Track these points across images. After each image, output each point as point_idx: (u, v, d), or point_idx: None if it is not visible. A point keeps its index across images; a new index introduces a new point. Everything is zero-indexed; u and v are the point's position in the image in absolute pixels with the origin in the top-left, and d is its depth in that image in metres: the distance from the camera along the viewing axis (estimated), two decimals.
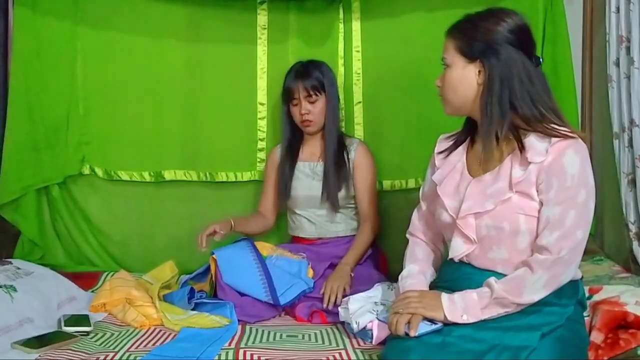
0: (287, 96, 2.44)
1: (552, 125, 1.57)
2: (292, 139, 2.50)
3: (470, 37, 1.63)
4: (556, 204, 1.52)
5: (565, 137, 1.54)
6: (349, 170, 2.42)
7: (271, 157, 2.57)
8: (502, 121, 1.58)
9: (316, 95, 2.39)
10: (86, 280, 2.43)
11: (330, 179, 2.38)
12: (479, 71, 1.62)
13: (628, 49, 2.24)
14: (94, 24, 2.61)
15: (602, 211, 2.48)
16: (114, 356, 1.74)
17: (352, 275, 2.24)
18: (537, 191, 1.55)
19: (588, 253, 2.07)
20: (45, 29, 2.56)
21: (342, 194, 2.41)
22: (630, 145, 2.25)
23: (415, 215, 1.89)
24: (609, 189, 2.38)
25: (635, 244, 2.27)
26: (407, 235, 1.90)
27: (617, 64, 2.30)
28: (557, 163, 1.52)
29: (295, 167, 2.47)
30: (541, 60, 1.66)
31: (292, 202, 2.47)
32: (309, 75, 2.40)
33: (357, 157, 2.44)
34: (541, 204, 1.55)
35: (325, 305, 2.11)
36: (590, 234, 1.60)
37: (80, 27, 2.61)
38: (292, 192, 2.45)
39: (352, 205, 2.46)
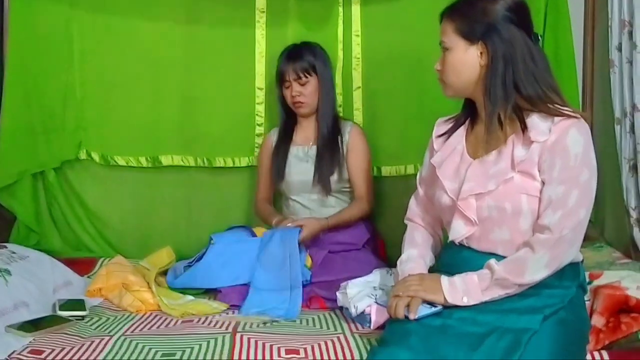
0: (280, 79, 2.43)
1: (555, 105, 1.54)
2: (287, 123, 2.49)
3: (470, 18, 1.59)
4: (559, 183, 1.50)
5: (568, 116, 1.52)
6: (343, 153, 2.41)
7: (265, 141, 2.55)
8: (506, 102, 1.56)
9: (306, 77, 2.39)
10: (82, 265, 2.40)
11: (323, 162, 2.37)
12: (481, 52, 1.59)
13: (630, 33, 2.22)
14: (91, 8, 2.59)
15: (602, 197, 2.46)
16: (109, 340, 1.72)
17: (321, 236, 2.29)
18: (540, 171, 1.53)
19: (588, 239, 2.05)
20: (41, 12, 2.53)
21: (335, 177, 2.39)
22: (632, 130, 2.23)
23: (412, 201, 1.87)
24: (609, 175, 2.36)
25: (635, 230, 2.25)
26: (406, 221, 1.88)
27: (620, 49, 2.28)
28: (561, 142, 1.50)
29: (289, 151, 2.46)
30: (539, 37, 1.63)
31: (285, 187, 2.45)
32: (300, 58, 2.39)
33: (351, 139, 2.43)
34: (543, 183, 1.53)
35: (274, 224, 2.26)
36: (590, 220, 1.58)
37: (77, 10, 2.58)
38: (285, 176, 2.43)
39: (347, 190, 2.44)
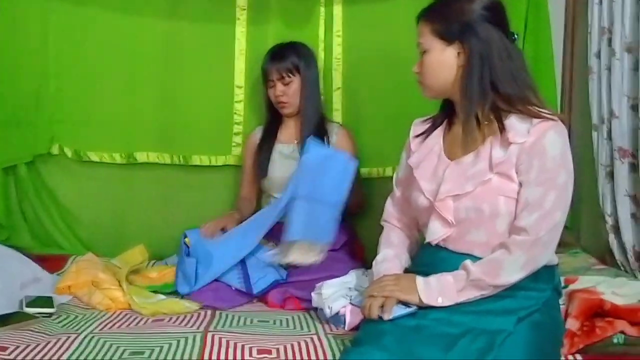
0: (264, 78, 2.43)
1: (533, 105, 1.54)
2: (271, 121, 2.48)
3: (446, 18, 1.59)
4: (536, 185, 1.49)
5: (547, 118, 1.52)
6: None
7: (250, 139, 2.53)
8: (484, 101, 1.56)
9: (289, 77, 2.37)
10: (53, 262, 2.35)
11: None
12: (459, 53, 1.59)
13: (610, 40, 2.23)
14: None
15: (579, 204, 2.47)
16: (76, 337, 1.67)
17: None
18: (517, 172, 1.52)
19: (564, 246, 2.06)
20: (17, 4, 2.48)
21: None
22: (609, 137, 2.24)
23: (389, 202, 1.86)
24: (586, 181, 2.37)
25: (611, 236, 2.26)
26: (382, 223, 1.86)
27: (598, 56, 2.29)
28: (539, 144, 1.50)
29: (273, 149, 2.44)
30: (516, 36, 1.63)
31: (268, 185, 2.43)
32: (284, 58, 2.38)
33: (339, 141, 2.42)
34: (520, 185, 1.52)
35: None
36: (566, 227, 1.58)
37: (53, 2, 2.53)
38: (269, 174, 2.41)
39: None
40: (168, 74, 2.59)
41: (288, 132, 2.47)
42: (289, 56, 2.39)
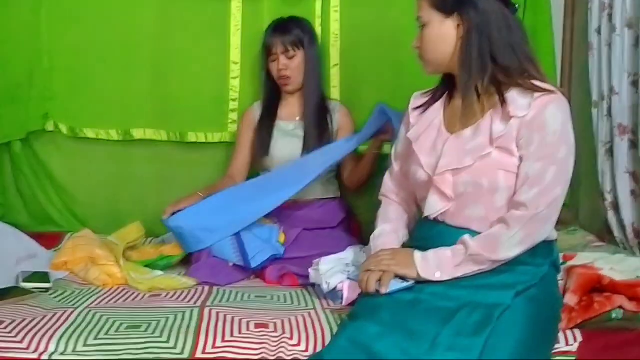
0: (266, 52, 2.38)
1: (533, 80, 1.52)
2: (271, 98, 2.43)
3: None
4: (537, 160, 1.48)
5: (548, 92, 1.50)
6: (332, 132, 2.38)
7: (247, 115, 2.48)
8: (483, 73, 1.54)
9: (294, 50, 2.33)
10: (49, 240, 2.35)
11: (311, 139, 2.33)
12: (458, 25, 1.56)
13: (610, 16, 2.21)
14: None
15: (577, 181, 2.46)
16: (72, 312, 1.67)
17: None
18: (517, 147, 1.50)
19: (562, 223, 2.05)
20: None
21: None
22: (609, 113, 2.23)
23: (387, 177, 1.84)
24: (585, 158, 2.36)
25: (610, 213, 2.26)
26: (380, 197, 1.85)
27: (599, 32, 2.27)
28: (539, 118, 1.48)
29: (274, 126, 2.40)
30: (517, 7, 1.60)
31: (269, 162, 2.39)
32: (288, 31, 2.34)
33: (341, 119, 2.41)
34: (520, 159, 1.50)
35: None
36: (565, 204, 1.57)
37: None
38: (270, 152, 2.37)
39: (332, 169, 2.41)
40: (163, 50, 2.55)
41: (288, 109, 2.43)
42: (293, 30, 2.34)
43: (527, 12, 2.41)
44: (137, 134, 2.57)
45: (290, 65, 2.34)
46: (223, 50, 2.55)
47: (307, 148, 2.33)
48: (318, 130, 2.35)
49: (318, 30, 2.54)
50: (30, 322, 1.59)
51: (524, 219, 1.48)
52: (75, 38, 2.53)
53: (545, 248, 1.57)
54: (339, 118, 2.41)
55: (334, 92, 2.57)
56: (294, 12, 2.45)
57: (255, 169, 2.47)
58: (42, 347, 1.50)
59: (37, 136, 2.57)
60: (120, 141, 2.58)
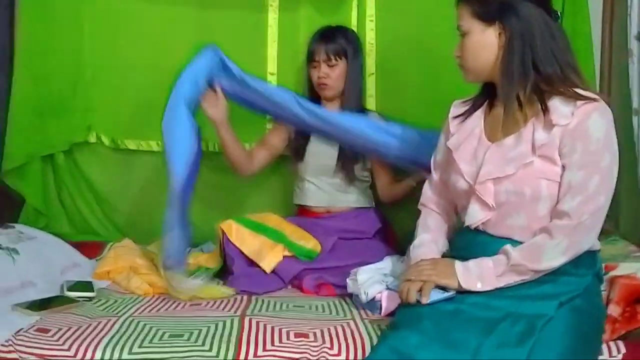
0: (309, 58, 2.38)
1: (575, 87, 1.51)
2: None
3: None
4: (579, 168, 1.46)
5: (591, 100, 1.48)
6: None
7: None
8: (525, 82, 1.53)
9: (336, 60, 2.34)
10: (90, 249, 2.39)
11: (347, 150, 2.33)
12: (499, 33, 1.56)
13: None
14: None
15: (618, 190, 2.38)
16: (116, 320, 1.70)
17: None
18: (560, 155, 1.49)
19: (603, 233, 2.01)
20: None
21: (359, 165, 2.36)
22: None
23: (426, 186, 1.84)
24: (626, 167, 2.29)
25: None
26: (419, 207, 1.84)
27: (638, 38, 2.24)
28: (582, 126, 1.47)
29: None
30: (559, 14, 1.59)
31: (303, 168, 2.41)
32: (332, 40, 2.34)
33: None
34: (563, 168, 1.49)
35: None
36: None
37: None
38: (305, 157, 2.38)
39: (366, 179, 2.42)
40: None
41: None
42: (337, 39, 2.35)
43: (565, 18, 2.39)
44: None
45: (331, 74, 2.34)
46: (260, 61, 2.58)
47: (342, 157, 2.34)
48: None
49: None
50: (76, 330, 1.63)
51: (567, 228, 1.46)
52: (117, 51, 2.59)
53: (588, 258, 1.55)
54: None
55: (370, 102, 2.57)
56: (330, 22, 2.46)
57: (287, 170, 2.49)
58: (88, 355, 1.53)
59: (79, 147, 2.63)
60: (160, 152, 2.62)
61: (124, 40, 2.59)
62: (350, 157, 2.33)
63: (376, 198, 2.48)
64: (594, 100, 1.48)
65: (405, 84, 2.56)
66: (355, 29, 2.56)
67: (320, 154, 2.38)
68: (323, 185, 2.39)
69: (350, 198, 2.38)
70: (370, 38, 2.57)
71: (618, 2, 2.42)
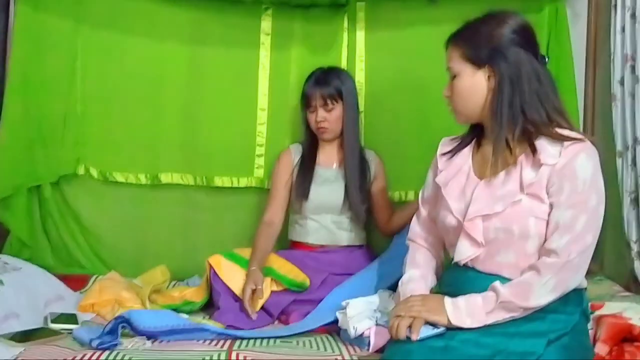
0: (305, 102, 2.42)
1: (561, 129, 1.54)
2: (311, 143, 2.46)
3: (476, 43, 1.60)
4: (567, 208, 1.49)
5: (578, 140, 1.52)
6: (370, 181, 2.43)
7: (285, 157, 2.47)
8: (514, 125, 1.56)
9: (332, 104, 2.37)
10: (75, 282, 2.37)
11: (354, 189, 2.36)
12: (489, 76, 1.60)
13: (633, 67, 2.24)
14: (96, 24, 2.59)
15: (603, 231, 2.43)
16: (101, 354, 1.67)
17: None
18: (548, 194, 1.52)
19: (588, 273, 2.03)
20: (46, 26, 2.52)
21: (365, 205, 2.40)
22: (634, 163, 2.24)
23: (414, 221, 1.85)
24: (610, 208, 2.30)
25: (636, 263, 2.24)
26: (407, 242, 1.85)
27: (622, 83, 2.30)
28: (570, 166, 1.50)
29: (315, 171, 2.41)
30: (546, 59, 1.64)
31: (307, 207, 2.39)
32: (327, 84, 2.38)
33: (377, 168, 2.47)
34: (551, 207, 1.51)
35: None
36: None
37: (82, 25, 2.58)
38: (310, 196, 2.37)
39: (360, 214, 2.42)
40: (192, 96, 2.63)
41: (325, 155, 2.46)
42: (332, 82, 2.38)
43: (550, 62, 2.42)
44: (165, 178, 2.62)
45: (329, 118, 2.37)
46: (251, 97, 2.62)
47: (350, 197, 2.36)
48: (360, 178, 2.39)
49: None
50: None
51: (555, 266, 1.48)
52: (108, 86, 2.61)
53: (576, 296, 1.56)
54: (375, 168, 2.46)
55: None
56: (320, 61, 2.51)
57: (290, 211, 2.47)
58: None
59: (66, 179, 2.62)
60: (148, 185, 2.63)
61: (115, 74, 2.61)
62: (357, 197, 2.36)
63: (368, 236, 2.50)
64: (581, 140, 1.52)
65: (394, 123, 2.61)
66: (345, 69, 2.60)
67: (324, 194, 2.39)
68: (326, 223, 2.39)
69: (349, 236, 2.40)
70: (360, 77, 2.62)
71: (601, 48, 2.49)
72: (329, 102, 2.36)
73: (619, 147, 2.31)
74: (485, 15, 1.64)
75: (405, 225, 2.31)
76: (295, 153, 2.47)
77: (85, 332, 1.80)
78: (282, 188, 2.43)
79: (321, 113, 2.37)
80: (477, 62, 1.60)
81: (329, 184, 2.40)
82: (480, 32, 1.61)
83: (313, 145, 2.46)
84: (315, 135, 2.45)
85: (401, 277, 1.75)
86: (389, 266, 2.16)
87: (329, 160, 2.45)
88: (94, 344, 1.71)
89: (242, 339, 1.89)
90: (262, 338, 1.90)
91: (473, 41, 1.61)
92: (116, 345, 1.73)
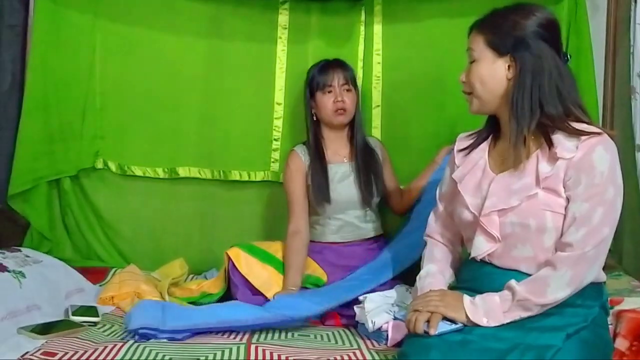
0: (318, 85, 2.35)
1: (578, 123, 1.54)
2: (316, 142, 2.39)
3: (501, 30, 1.59)
4: (584, 201, 1.48)
5: (595, 134, 1.51)
6: (380, 168, 2.41)
7: (294, 161, 2.38)
8: (531, 119, 1.55)
9: (350, 86, 2.37)
10: (94, 274, 2.38)
11: (365, 177, 2.34)
12: (509, 66, 1.59)
13: None
14: (115, 18, 2.60)
15: (621, 226, 2.41)
16: (122, 346, 1.70)
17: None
18: (565, 187, 1.51)
19: (607, 268, 2.02)
20: (65, 21, 2.54)
21: (376, 192, 2.37)
22: None
23: (432, 217, 1.85)
24: (629, 203, 2.31)
25: None
26: (425, 238, 1.85)
27: None
28: (587, 159, 1.49)
29: (328, 170, 2.35)
30: (569, 57, 1.63)
31: (330, 208, 2.33)
32: (345, 67, 2.38)
33: (382, 154, 2.45)
34: (568, 200, 1.51)
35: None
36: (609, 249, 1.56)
37: (101, 20, 2.59)
38: (332, 197, 2.31)
39: (378, 202, 2.42)
40: (210, 91, 2.64)
41: (334, 150, 2.41)
42: (348, 67, 2.40)
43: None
44: (183, 172, 2.64)
45: (347, 100, 2.34)
46: (268, 91, 2.63)
47: (362, 188, 2.33)
48: (371, 168, 2.37)
49: (360, 72, 2.61)
50: (83, 355, 1.63)
51: (571, 259, 1.48)
52: (127, 80, 2.63)
53: (594, 290, 1.56)
54: (381, 153, 2.45)
55: (375, 132, 2.61)
56: (337, 55, 2.50)
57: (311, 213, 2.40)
58: None
59: (86, 173, 2.64)
60: (166, 179, 2.65)
61: (134, 68, 2.63)
62: (370, 186, 2.34)
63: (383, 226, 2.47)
64: (598, 134, 1.51)
65: (410, 117, 2.60)
66: (361, 62, 2.61)
67: (344, 191, 2.33)
68: (351, 219, 2.34)
69: (373, 227, 2.38)
70: (376, 71, 2.61)
71: (621, 41, 2.47)
72: (349, 82, 2.35)
73: (638, 140, 2.29)
74: (513, 5, 1.63)
75: (417, 196, 2.35)
76: (303, 155, 2.38)
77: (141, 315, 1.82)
78: (300, 194, 2.34)
79: (341, 93, 2.33)
80: (499, 50, 1.59)
81: (345, 179, 2.35)
82: (506, 21, 1.59)
83: (319, 143, 2.39)
84: (319, 131, 2.40)
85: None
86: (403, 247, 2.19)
87: (338, 155, 2.40)
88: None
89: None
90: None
91: (498, 29, 1.60)
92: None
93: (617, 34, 2.50)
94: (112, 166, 2.64)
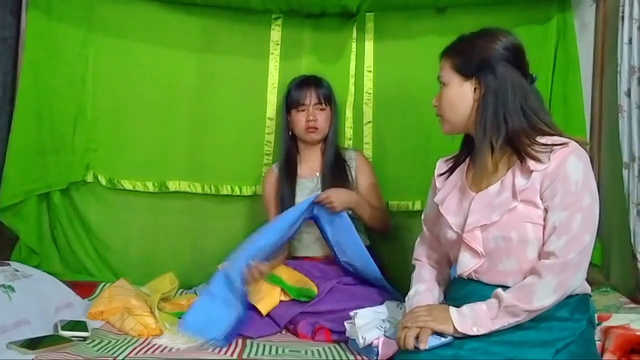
0: (293, 103, 2.41)
1: (545, 137, 1.58)
2: (290, 156, 2.45)
3: (466, 55, 1.66)
4: (562, 209, 1.52)
5: (565, 144, 1.55)
6: (352, 180, 2.41)
7: (269, 178, 2.48)
8: (497, 134, 1.60)
9: (324, 105, 2.40)
10: (83, 289, 2.37)
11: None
12: (475, 88, 1.64)
13: None
14: (108, 31, 2.62)
15: (609, 242, 2.45)
16: None
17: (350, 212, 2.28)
18: (542, 199, 1.55)
19: (594, 284, 2.05)
20: (58, 34, 2.55)
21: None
22: None
23: (418, 241, 1.90)
24: (616, 219, 2.36)
25: None
26: (413, 262, 1.89)
27: (629, 95, 2.30)
28: (561, 169, 1.53)
29: (297, 184, 2.41)
30: (534, 77, 1.68)
31: None
32: (320, 84, 2.41)
33: (358, 163, 2.45)
34: (546, 211, 1.55)
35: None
36: (596, 264, 1.59)
37: (93, 33, 2.61)
38: None
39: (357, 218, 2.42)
40: (201, 105, 2.65)
41: (308, 166, 2.45)
42: (324, 84, 2.43)
43: (556, 75, 2.48)
44: (173, 185, 2.64)
45: (320, 118, 2.39)
46: (259, 106, 2.64)
47: None
48: (338, 181, 2.36)
49: (351, 88, 2.64)
50: None
51: (555, 267, 1.51)
52: (118, 94, 2.64)
53: (582, 303, 1.59)
54: (357, 164, 2.45)
55: (367, 149, 2.63)
56: (329, 71, 2.54)
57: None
58: None
59: (76, 187, 2.64)
60: (157, 193, 2.64)
61: (126, 82, 2.64)
62: None
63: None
64: (569, 144, 1.55)
65: (400, 133, 2.62)
66: (353, 78, 2.64)
67: None
68: (318, 233, 2.34)
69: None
70: (368, 88, 2.64)
71: (608, 59, 2.50)
72: (322, 101, 2.39)
73: (625, 158, 2.31)
74: (479, 31, 1.69)
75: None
76: (278, 171, 2.45)
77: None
78: (274, 209, 2.42)
79: (313, 112, 2.38)
80: (465, 73, 1.65)
81: (312, 193, 2.32)
82: (471, 46, 1.66)
83: (293, 158, 2.45)
84: (295, 146, 2.45)
85: None
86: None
87: (310, 169, 2.44)
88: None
89: None
90: None
91: (464, 53, 1.67)
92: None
93: (605, 52, 2.53)
94: (102, 180, 2.64)
